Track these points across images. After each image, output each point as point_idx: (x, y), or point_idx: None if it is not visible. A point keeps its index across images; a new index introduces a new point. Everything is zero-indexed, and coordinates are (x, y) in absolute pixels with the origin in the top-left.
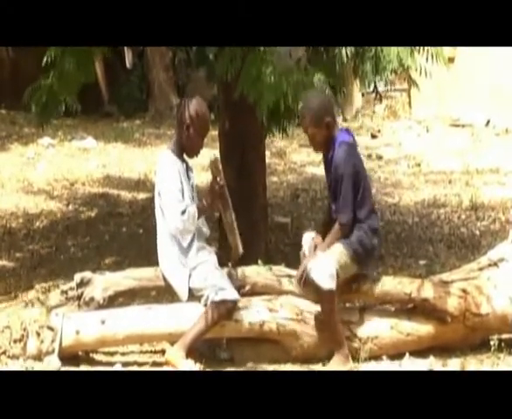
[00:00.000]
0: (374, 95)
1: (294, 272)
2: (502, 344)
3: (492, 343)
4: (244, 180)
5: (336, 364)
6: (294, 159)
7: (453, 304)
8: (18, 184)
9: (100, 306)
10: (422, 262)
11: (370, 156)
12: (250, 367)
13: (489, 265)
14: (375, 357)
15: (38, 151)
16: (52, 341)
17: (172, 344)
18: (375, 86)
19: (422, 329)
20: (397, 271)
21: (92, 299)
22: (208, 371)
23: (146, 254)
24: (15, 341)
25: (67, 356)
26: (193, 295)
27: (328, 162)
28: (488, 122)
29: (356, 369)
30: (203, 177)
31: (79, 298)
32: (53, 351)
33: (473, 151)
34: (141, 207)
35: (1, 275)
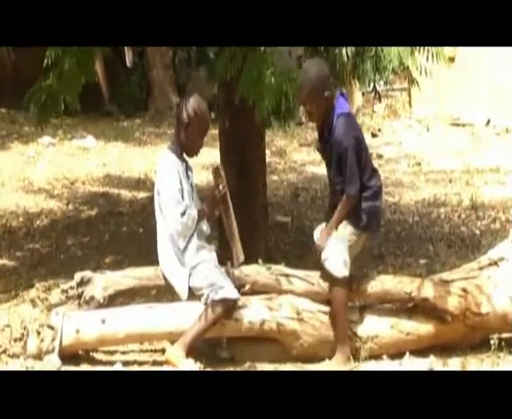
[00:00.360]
0: (373, 94)
1: (294, 272)
2: (503, 343)
3: (492, 342)
4: (244, 179)
5: (337, 363)
6: (294, 158)
7: (453, 303)
8: (19, 183)
9: (101, 305)
10: (422, 261)
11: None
12: (250, 366)
13: (490, 264)
14: (375, 356)
15: (38, 150)
16: (53, 340)
17: (172, 343)
18: (374, 86)
19: (422, 328)
20: (398, 270)
21: (92, 298)
22: (208, 370)
23: (146, 253)
24: (15, 340)
25: (67, 355)
26: (193, 294)
27: (326, 133)
28: (489, 122)
29: (356, 369)
30: (203, 176)
31: (79, 297)
32: (53, 350)
33: (473, 150)
34: (142, 206)
35: (1, 274)
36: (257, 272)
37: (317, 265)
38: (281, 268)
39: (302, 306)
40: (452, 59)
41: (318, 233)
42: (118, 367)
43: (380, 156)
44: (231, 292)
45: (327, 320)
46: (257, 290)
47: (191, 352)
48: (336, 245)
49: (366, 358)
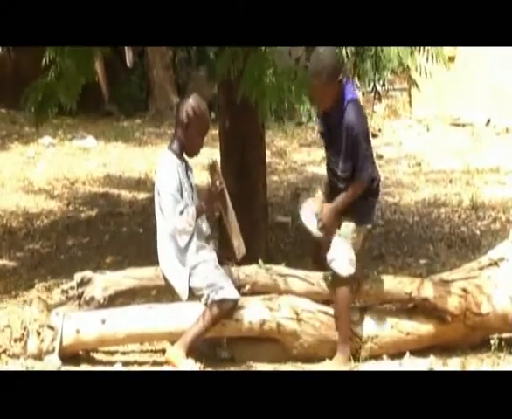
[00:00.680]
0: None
1: (294, 272)
2: (503, 343)
3: (492, 342)
4: (244, 179)
5: (338, 363)
6: (294, 158)
7: (453, 303)
8: (19, 183)
9: (101, 306)
10: (422, 261)
11: None
12: (250, 366)
13: (490, 265)
14: (375, 356)
15: (38, 150)
16: (53, 340)
17: (172, 343)
18: (374, 86)
19: (422, 328)
20: (398, 270)
21: (92, 299)
22: (208, 370)
23: (146, 253)
24: (15, 340)
25: (68, 355)
26: (193, 294)
27: (335, 118)
28: (489, 122)
29: (356, 369)
30: (203, 177)
31: (79, 297)
32: (54, 350)
33: (473, 150)
34: (142, 206)
35: (1, 274)
36: (257, 273)
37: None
38: (281, 268)
39: (302, 307)
40: (452, 59)
41: (307, 211)
42: (118, 368)
43: (380, 156)
44: (231, 293)
45: (327, 320)
46: (257, 290)
47: (191, 352)
48: (342, 245)
49: (366, 358)
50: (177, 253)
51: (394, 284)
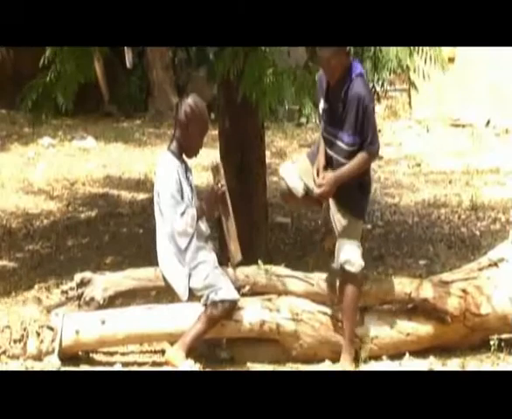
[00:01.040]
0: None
1: (293, 273)
2: (502, 344)
3: (492, 343)
4: (244, 180)
5: (345, 365)
6: (294, 159)
7: (453, 304)
8: (18, 184)
9: (100, 306)
10: (422, 262)
11: None
12: (250, 366)
13: (489, 265)
14: (375, 357)
15: (38, 151)
16: (52, 341)
17: (172, 344)
18: (373, 86)
19: (422, 329)
20: (398, 271)
21: (92, 299)
22: (208, 371)
23: (146, 254)
24: (15, 341)
25: (67, 356)
26: (193, 295)
27: (341, 93)
28: (488, 122)
29: (356, 369)
30: (203, 177)
31: (79, 298)
32: (53, 351)
33: (473, 151)
34: (142, 207)
35: (1, 275)
36: (257, 273)
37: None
38: (281, 269)
39: (302, 307)
40: (451, 60)
41: (290, 172)
42: (118, 368)
43: (380, 157)
44: (230, 293)
45: (326, 321)
46: (257, 291)
47: (191, 353)
48: (350, 245)
49: (366, 359)
50: (177, 254)
51: (394, 284)
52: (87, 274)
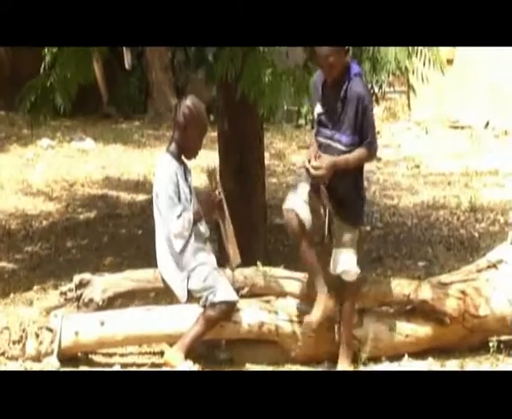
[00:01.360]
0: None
1: (292, 274)
2: (501, 345)
3: (491, 345)
4: (243, 181)
5: (343, 367)
6: (293, 160)
7: (451, 305)
8: (17, 185)
9: (99, 308)
10: (421, 263)
11: None
12: (249, 367)
13: (488, 267)
14: (374, 359)
15: (37, 152)
16: (51, 342)
17: (171, 345)
18: (372, 88)
19: (421, 331)
20: (396, 272)
21: (91, 301)
22: (207, 371)
23: (145, 255)
24: (14, 342)
25: (66, 357)
26: (192, 296)
27: (339, 93)
28: (488, 124)
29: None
30: (202, 179)
31: (78, 299)
32: (52, 352)
33: (472, 153)
34: (141, 208)
35: (0, 276)
36: (255, 275)
37: None
38: (280, 270)
39: (301, 309)
40: (450, 61)
41: (296, 200)
42: (117, 370)
43: (379, 159)
44: (229, 295)
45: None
46: (255, 292)
47: (190, 354)
48: (346, 255)
49: (365, 360)
50: (176, 255)
51: (392, 286)
52: (86, 275)
